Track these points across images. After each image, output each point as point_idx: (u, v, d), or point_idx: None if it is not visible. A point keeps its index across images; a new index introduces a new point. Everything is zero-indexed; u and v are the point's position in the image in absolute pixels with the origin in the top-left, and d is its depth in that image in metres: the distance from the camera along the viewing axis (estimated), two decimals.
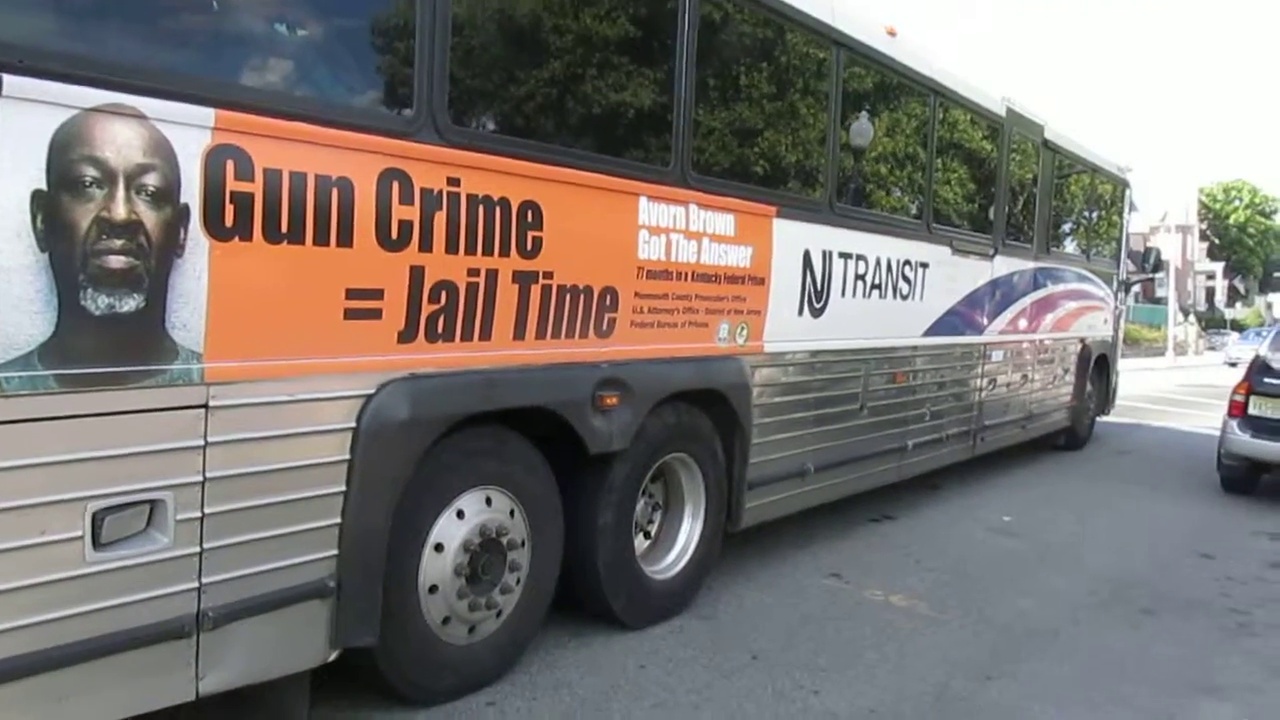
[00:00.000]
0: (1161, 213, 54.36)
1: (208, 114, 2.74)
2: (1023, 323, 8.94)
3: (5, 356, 2.41)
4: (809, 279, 5.51)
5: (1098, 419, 11.88)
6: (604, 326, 4.13)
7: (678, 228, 4.47)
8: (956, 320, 7.52)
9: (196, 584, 2.87)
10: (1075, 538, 7.09)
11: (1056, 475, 9.63)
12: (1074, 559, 6.47)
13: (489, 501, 3.81)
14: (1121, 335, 12.84)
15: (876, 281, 6.24)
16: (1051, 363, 9.90)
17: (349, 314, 3.17)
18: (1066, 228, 10.60)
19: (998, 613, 5.26)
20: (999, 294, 8.29)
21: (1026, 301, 8.98)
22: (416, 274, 3.34)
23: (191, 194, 2.72)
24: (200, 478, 2.84)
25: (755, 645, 4.54)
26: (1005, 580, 5.86)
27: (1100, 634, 5.06)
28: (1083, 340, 10.71)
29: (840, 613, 5.08)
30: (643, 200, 4.28)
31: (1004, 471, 9.36)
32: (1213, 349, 48.38)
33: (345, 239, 3.11)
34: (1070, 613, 5.36)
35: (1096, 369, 11.24)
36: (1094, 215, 11.34)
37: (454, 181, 3.43)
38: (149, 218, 2.64)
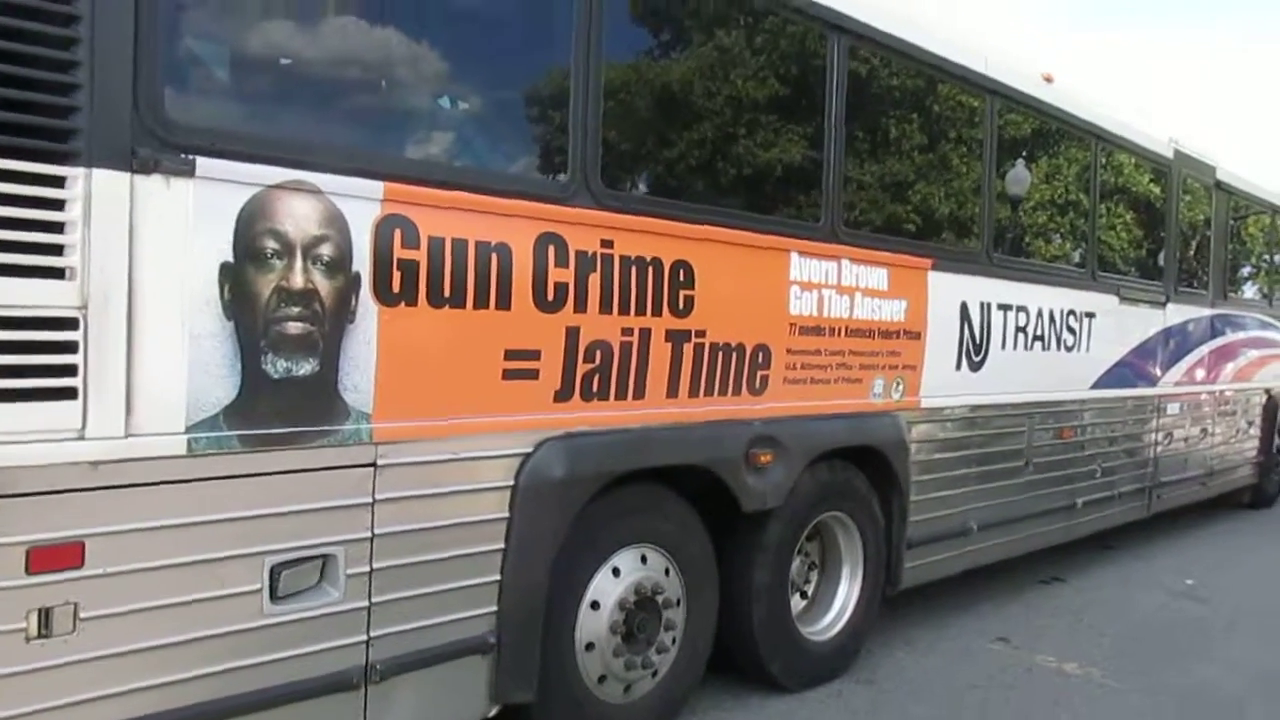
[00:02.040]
0: None
1: (377, 187, 2.89)
2: (1200, 373, 8.45)
3: (195, 418, 2.58)
4: (967, 332, 5.37)
5: None
6: (757, 383, 4.12)
7: (829, 283, 4.43)
8: (1127, 371, 7.17)
9: (365, 637, 2.97)
10: (1266, 604, 6.58)
11: (1242, 536, 9.01)
12: (1265, 627, 6.01)
13: (644, 559, 3.82)
14: None
15: (1039, 333, 6.02)
16: (1234, 415, 9.31)
17: (507, 374, 3.25)
18: (1245, 272, 10.02)
19: (1180, 682, 4.92)
20: (1172, 343, 7.87)
21: (1203, 350, 8.49)
22: (572, 334, 3.41)
23: (362, 263, 2.86)
24: (369, 533, 2.95)
25: (918, 713, 4.38)
26: (1188, 648, 5.49)
27: None
28: (1268, 391, 10.03)
29: (1009, 680, 4.84)
30: (794, 256, 4.27)
31: (1184, 532, 8.80)
32: None
33: (504, 302, 3.20)
34: (1260, 685, 4.97)
35: None
36: (1276, 258, 10.68)
37: (607, 243, 3.51)
38: (324, 286, 2.79)
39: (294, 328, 2.74)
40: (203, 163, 2.55)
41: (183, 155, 2.53)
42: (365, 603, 2.96)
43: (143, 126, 2.47)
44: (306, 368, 2.77)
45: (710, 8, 4.09)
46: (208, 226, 2.58)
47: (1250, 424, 9.74)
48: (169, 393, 2.54)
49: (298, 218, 2.73)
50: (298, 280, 2.74)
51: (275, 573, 2.77)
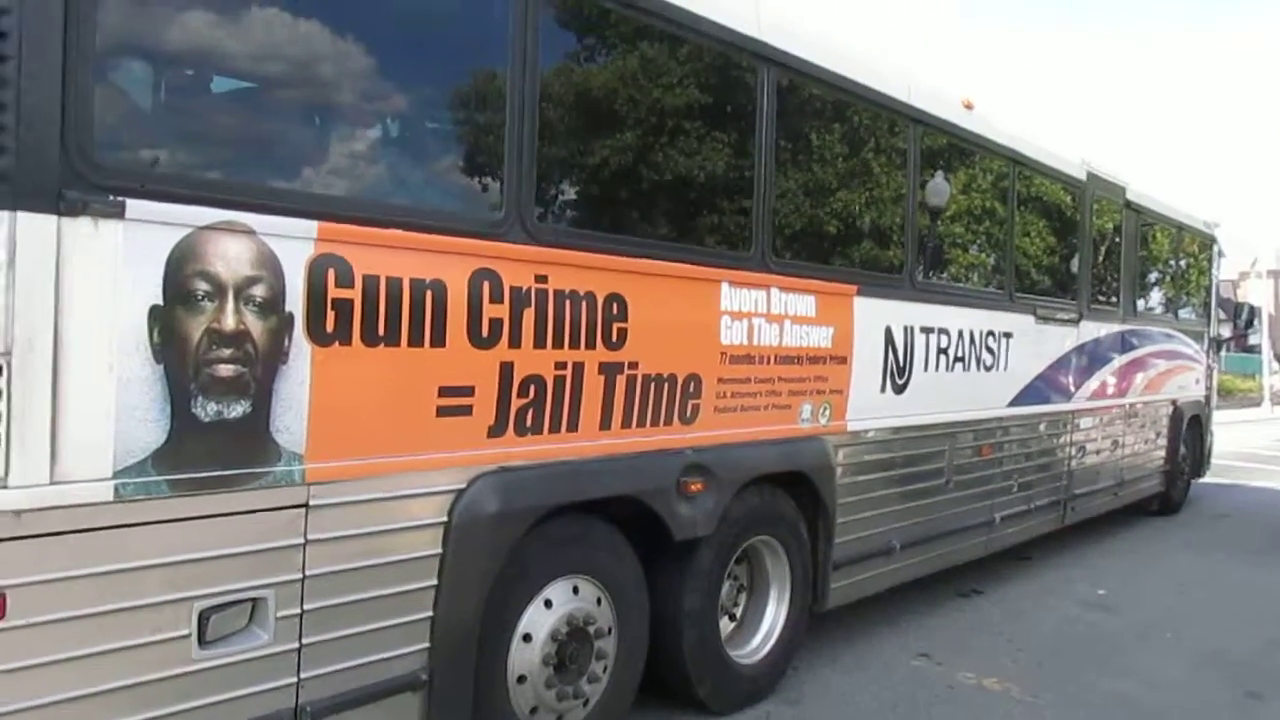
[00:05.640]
0: (1252, 259, 52.92)
1: (311, 226, 2.87)
2: (1111, 387, 8.75)
3: (123, 463, 2.53)
4: (891, 355, 5.50)
5: (1193, 481, 11.51)
6: (688, 413, 4.17)
7: (759, 312, 4.51)
8: (1043, 388, 7.40)
9: (295, 679, 2.95)
10: (1174, 612, 6.84)
11: (1151, 543, 9.33)
12: (1173, 636, 6.25)
13: (576, 590, 3.84)
14: (1214, 394, 12.47)
15: (959, 354, 6.18)
16: (1143, 427, 9.65)
17: (441, 411, 3.25)
18: (1153, 288, 10.38)
19: (1095, 696, 5.10)
20: (1086, 359, 8.14)
21: (1115, 365, 8.80)
22: (506, 370, 3.42)
23: (295, 303, 2.84)
24: (300, 575, 2.92)
25: None
26: (1102, 660, 5.69)
27: None
28: (1174, 402, 10.43)
29: (931, 697, 4.97)
30: (724, 286, 4.33)
31: (1096, 540, 9.09)
32: None
33: (438, 339, 3.20)
34: (1172, 696, 5.17)
35: (1190, 430, 10.92)
36: (1181, 274, 11.10)
37: (541, 278, 3.53)
38: (256, 327, 2.76)
39: (225, 370, 2.71)
40: (132, 204, 2.52)
41: (111, 197, 2.49)
42: (296, 644, 2.93)
43: (70, 168, 2.43)
44: (238, 410, 2.75)
45: (640, 43, 4.11)
46: (137, 269, 2.54)
47: (1158, 434, 10.11)
48: (96, 438, 2.50)
49: (229, 259, 2.70)
50: (229, 322, 2.71)
51: (204, 617, 2.73)
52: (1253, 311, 13.65)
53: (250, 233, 2.74)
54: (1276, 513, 11.45)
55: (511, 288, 3.42)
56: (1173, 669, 5.59)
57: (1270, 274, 55.41)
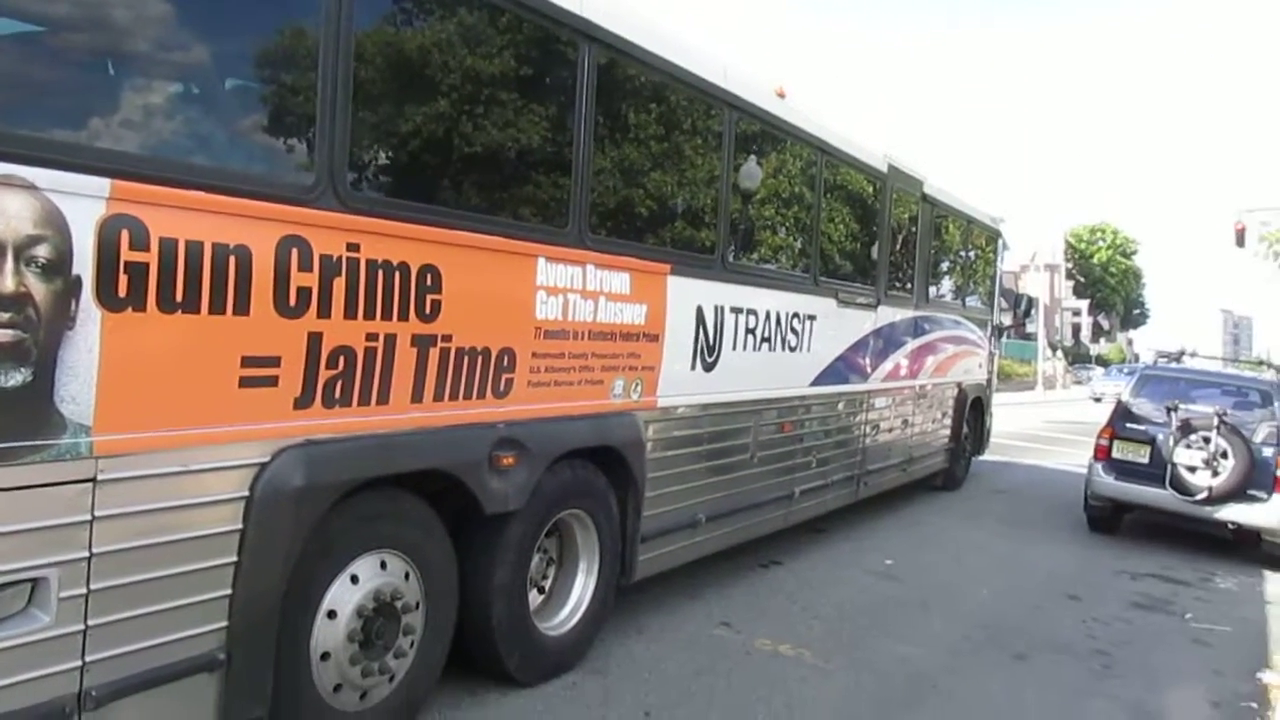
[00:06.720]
0: (1031, 253, 57.13)
1: (103, 184, 2.70)
2: (904, 369, 9.26)
3: None
4: (701, 334, 5.64)
5: (974, 459, 12.34)
6: (501, 387, 4.16)
7: (575, 287, 4.54)
8: (842, 369, 7.76)
9: (79, 662, 2.79)
10: (953, 581, 7.35)
11: (935, 516, 9.97)
12: (952, 603, 6.71)
13: (384, 565, 3.79)
14: (995, 378, 13.40)
15: (766, 334, 6.40)
16: (930, 407, 10.27)
17: (244, 382, 3.13)
18: (944, 277, 11.02)
19: (880, 660, 5.42)
20: (882, 343, 8.59)
21: (907, 349, 9.32)
22: (314, 340, 3.32)
23: (84, 265, 2.66)
24: (86, 553, 2.76)
25: (648, 701, 4.59)
26: (887, 626, 6.04)
27: (976, 681, 5.27)
28: (959, 385, 11.14)
29: (731, 664, 5.16)
30: (541, 261, 4.34)
31: (886, 514, 9.64)
32: (1079, 383, 50.91)
33: (242, 307, 3.07)
34: (948, 659, 5.56)
35: (973, 411, 11.70)
36: (969, 264, 11.84)
37: (353, 247, 3.43)
38: (39, 290, 2.58)
39: (2, 335, 2.52)
40: None
41: None
42: (80, 626, 2.78)
43: None
44: (17, 378, 2.56)
45: (460, 9, 4.03)
46: None
47: (944, 415, 10.79)
48: None
49: (9, 216, 2.51)
50: (8, 284, 2.52)
51: None
52: (1031, 302, 14.76)
53: (32, 188, 2.55)
54: (1045, 489, 12.43)
55: (321, 256, 3.32)
56: (951, 634, 6.01)
57: (1048, 267, 59.94)
